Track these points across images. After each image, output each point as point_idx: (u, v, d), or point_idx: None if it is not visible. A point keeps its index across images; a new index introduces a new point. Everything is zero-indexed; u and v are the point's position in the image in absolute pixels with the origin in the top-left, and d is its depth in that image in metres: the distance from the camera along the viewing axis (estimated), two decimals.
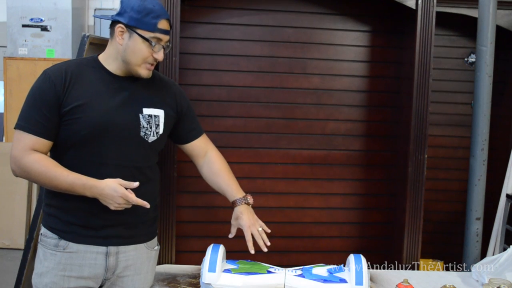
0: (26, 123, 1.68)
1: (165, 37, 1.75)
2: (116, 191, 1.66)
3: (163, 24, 1.73)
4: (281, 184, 2.68)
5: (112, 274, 1.80)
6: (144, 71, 1.76)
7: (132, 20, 1.71)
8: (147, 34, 1.71)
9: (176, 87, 1.98)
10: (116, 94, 1.76)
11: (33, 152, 1.67)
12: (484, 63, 2.44)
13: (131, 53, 1.73)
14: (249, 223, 1.93)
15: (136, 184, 1.70)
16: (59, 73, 1.71)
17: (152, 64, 1.77)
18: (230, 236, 1.99)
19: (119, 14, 1.73)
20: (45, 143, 1.70)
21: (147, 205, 1.71)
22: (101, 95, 1.73)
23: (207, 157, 2.04)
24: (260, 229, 1.96)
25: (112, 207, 1.68)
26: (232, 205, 2.00)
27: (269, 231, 1.97)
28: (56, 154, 1.74)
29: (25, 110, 1.70)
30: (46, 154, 1.71)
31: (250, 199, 2.01)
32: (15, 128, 1.71)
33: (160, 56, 1.74)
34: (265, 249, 1.93)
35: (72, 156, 1.72)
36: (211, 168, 2.03)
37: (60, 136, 1.72)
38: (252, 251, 1.91)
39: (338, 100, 2.68)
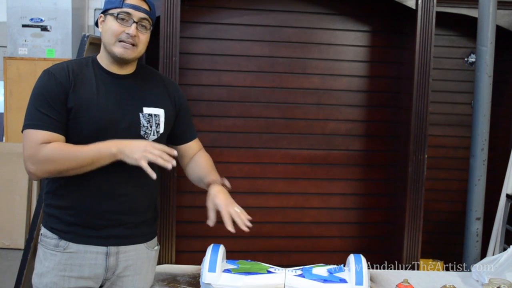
0: (37, 122, 1.66)
1: (136, 13, 1.73)
2: (142, 141, 1.68)
3: (132, 0, 1.73)
4: (281, 184, 2.68)
5: (112, 274, 1.80)
6: (119, 49, 1.72)
7: (105, 5, 1.75)
8: (116, 11, 1.72)
9: (176, 87, 1.98)
10: (116, 94, 1.76)
11: (47, 144, 1.64)
12: (484, 63, 2.45)
13: (105, 34, 1.74)
14: (226, 202, 1.83)
15: (174, 152, 1.70)
16: (63, 71, 1.71)
17: (127, 43, 1.72)
18: (210, 224, 1.83)
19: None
20: (59, 138, 1.67)
21: (173, 151, 1.69)
22: (101, 95, 1.73)
23: (195, 156, 2.03)
24: (238, 209, 1.84)
25: (136, 155, 1.63)
26: (208, 187, 1.91)
27: (249, 217, 1.83)
28: None
29: (32, 110, 1.68)
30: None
31: (226, 182, 1.93)
32: (24, 129, 1.68)
33: (131, 30, 1.71)
34: (246, 229, 1.80)
35: None
36: (196, 163, 2.00)
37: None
38: (231, 229, 1.79)
39: (338, 100, 2.68)
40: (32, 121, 1.67)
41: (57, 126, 1.67)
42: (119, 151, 1.65)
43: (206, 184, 1.92)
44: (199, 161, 2.01)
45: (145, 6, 1.75)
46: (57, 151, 1.64)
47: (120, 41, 1.72)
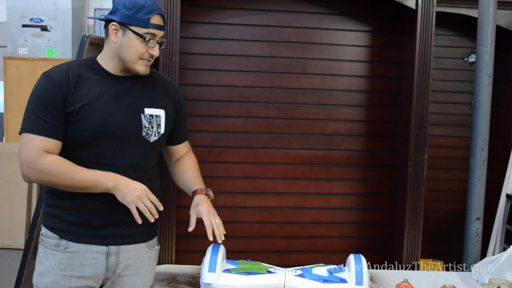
0: (34, 126, 1.66)
1: (159, 33, 1.74)
2: (139, 185, 1.70)
3: (156, 19, 1.73)
4: (281, 184, 2.68)
5: (112, 274, 1.80)
6: (141, 68, 1.75)
7: (124, 17, 1.71)
8: (141, 30, 1.71)
9: (176, 88, 1.99)
10: (117, 95, 1.76)
11: (47, 154, 1.66)
12: (484, 63, 2.45)
13: (126, 50, 1.72)
14: (208, 210, 1.88)
15: (161, 208, 1.76)
16: (62, 74, 1.71)
17: (149, 60, 1.76)
18: (190, 229, 1.88)
19: (111, 12, 1.74)
20: (56, 144, 1.69)
21: (161, 207, 1.75)
22: (102, 96, 1.73)
23: (183, 158, 2.05)
24: (218, 221, 1.90)
25: (129, 199, 1.68)
26: (192, 194, 1.95)
27: (224, 232, 1.91)
28: (59, 155, 1.73)
29: (30, 113, 1.68)
30: (57, 155, 1.70)
31: (210, 192, 1.98)
32: (22, 132, 1.68)
33: (155, 51, 1.74)
34: (220, 241, 1.87)
35: (74, 157, 1.71)
36: (182, 165, 2.03)
37: (64, 137, 1.71)
38: (211, 238, 1.85)
39: (338, 100, 2.68)
40: (30, 124, 1.67)
41: (54, 131, 1.68)
42: (114, 187, 1.69)
43: (191, 191, 1.96)
44: (185, 165, 2.03)
45: (163, 23, 1.77)
46: (54, 166, 1.66)
47: (142, 59, 1.74)
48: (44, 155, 1.65)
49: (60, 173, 1.66)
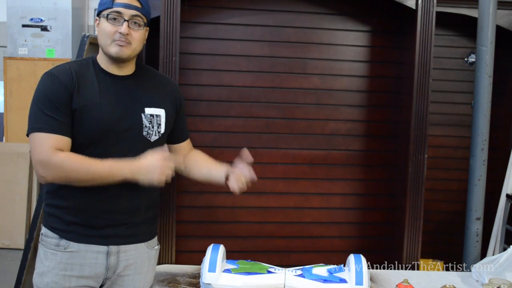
0: (44, 124, 1.66)
1: (126, 11, 1.72)
2: (155, 157, 1.68)
3: None
4: (281, 184, 2.68)
5: (113, 274, 1.80)
6: (113, 49, 1.72)
7: (98, 7, 1.77)
8: (107, 12, 1.72)
9: (176, 87, 1.98)
10: (118, 95, 1.76)
11: (60, 151, 1.66)
12: (484, 63, 2.45)
13: (100, 36, 1.74)
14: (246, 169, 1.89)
15: (166, 148, 1.72)
16: (66, 73, 1.71)
17: (121, 40, 1.72)
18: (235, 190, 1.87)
19: None
20: (67, 141, 1.68)
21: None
22: (103, 96, 1.73)
23: (191, 154, 2.04)
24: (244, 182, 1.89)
25: (156, 179, 1.67)
26: (226, 180, 1.93)
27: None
28: None
29: (38, 112, 1.67)
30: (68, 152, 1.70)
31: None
32: (30, 133, 1.67)
33: (122, 29, 1.70)
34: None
35: None
36: (196, 161, 2.02)
37: None
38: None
39: (338, 100, 2.68)
40: (39, 124, 1.66)
41: (64, 129, 1.67)
42: (133, 176, 1.68)
43: (224, 175, 1.94)
44: (198, 158, 2.03)
45: (135, 3, 1.75)
46: (69, 163, 1.65)
47: (114, 41, 1.72)
48: (57, 152, 1.65)
49: (77, 167, 1.65)
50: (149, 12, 1.81)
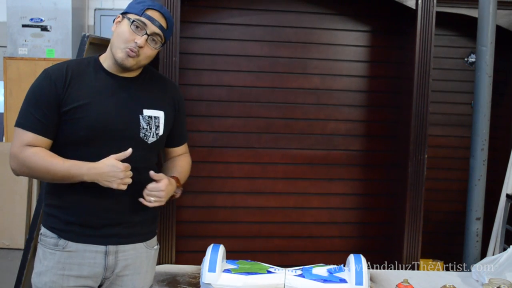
0: (25, 121, 1.69)
1: (151, 26, 1.73)
2: (115, 166, 1.66)
3: (153, 13, 1.74)
4: (281, 184, 2.68)
5: (111, 273, 1.80)
6: (121, 54, 1.71)
7: (127, 7, 1.76)
8: (133, 17, 1.72)
9: (176, 89, 1.98)
10: (116, 95, 1.76)
11: (30, 147, 1.68)
12: (484, 63, 2.45)
13: (116, 36, 1.74)
14: (165, 183, 1.76)
15: (129, 151, 1.68)
16: (60, 72, 1.71)
17: (133, 51, 1.71)
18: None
19: None
20: (44, 141, 1.70)
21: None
22: (101, 96, 1.73)
23: (177, 157, 2.01)
24: (156, 195, 1.75)
25: (115, 185, 1.66)
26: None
27: (153, 199, 1.75)
28: (55, 153, 1.74)
29: (24, 108, 1.71)
30: (41, 147, 1.70)
31: (179, 190, 1.89)
32: (15, 126, 1.72)
33: (140, 40, 1.70)
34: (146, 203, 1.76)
35: (71, 156, 1.71)
36: (173, 164, 1.97)
37: (59, 135, 1.72)
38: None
39: (338, 100, 2.68)
40: (22, 119, 1.70)
41: (44, 129, 1.69)
42: (92, 180, 1.67)
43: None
44: (177, 163, 1.98)
45: (163, 23, 1.76)
46: (34, 158, 1.67)
47: (126, 48, 1.71)
48: (27, 148, 1.67)
49: (38, 164, 1.67)
50: (170, 35, 1.82)
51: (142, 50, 1.72)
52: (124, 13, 1.75)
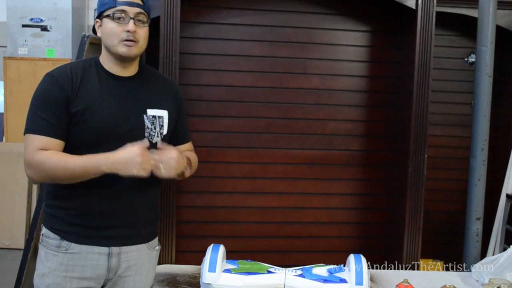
0: (34, 126, 1.67)
1: (131, 9, 1.72)
2: (133, 151, 1.63)
3: None
4: (281, 184, 2.68)
5: (114, 275, 1.80)
6: (123, 49, 1.72)
7: (98, 9, 1.76)
8: (111, 11, 1.72)
9: (177, 88, 1.98)
10: (120, 96, 1.76)
11: (43, 151, 1.65)
12: (484, 63, 2.45)
13: (106, 37, 1.73)
14: (177, 152, 1.74)
15: (146, 141, 1.67)
16: (65, 74, 1.71)
17: (129, 40, 1.71)
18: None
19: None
20: (56, 143, 1.68)
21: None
22: (105, 98, 1.73)
23: (184, 153, 2.00)
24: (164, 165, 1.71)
25: (135, 171, 1.62)
26: None
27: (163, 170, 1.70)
28: None
29: (33, 114, 1.68)
30: (54, 150, 1.68)
31: (189, 168, 1.87)
32: (24, 134, 1.69)
33: (130, 27, 1.71)
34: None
35: None
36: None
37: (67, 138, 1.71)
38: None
39: (338, 100, 2.68)
40: (32, 125, 1.68)
41: (55, 131, 1.67)
42: (110, 169, 1.64)
43: None
44: (184, 153, 1.95)
45: (137, 1, 1.75)
46: (48, 160, 1.64)
47: (122, 41, 1.71)
48: (39, 151, 1.65)
49: (53, 166, 1.64)
50: (149, 9, 1.82)
51: (137, 34, 1.72)
52: (99, 16, 1.75)
